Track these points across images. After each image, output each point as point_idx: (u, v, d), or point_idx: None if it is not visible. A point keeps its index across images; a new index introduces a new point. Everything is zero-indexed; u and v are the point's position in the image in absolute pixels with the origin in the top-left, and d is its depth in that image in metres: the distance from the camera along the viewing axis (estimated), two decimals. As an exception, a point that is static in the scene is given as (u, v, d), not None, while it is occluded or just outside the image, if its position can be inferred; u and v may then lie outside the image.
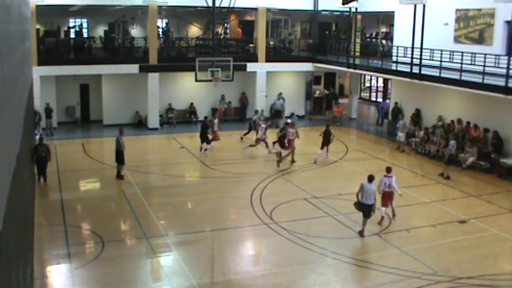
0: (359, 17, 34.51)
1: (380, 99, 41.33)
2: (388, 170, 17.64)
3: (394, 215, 17.54)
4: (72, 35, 37.02)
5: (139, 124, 32.31)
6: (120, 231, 17.27)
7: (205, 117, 27.60)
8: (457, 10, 27.35)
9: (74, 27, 39.42)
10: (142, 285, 13.25)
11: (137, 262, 14.86)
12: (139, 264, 14.86)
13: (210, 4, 29.64)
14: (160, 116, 32.54)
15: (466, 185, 21.95)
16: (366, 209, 16.34)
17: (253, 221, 17.64)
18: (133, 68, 30.95)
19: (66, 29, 37.97)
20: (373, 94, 44.60)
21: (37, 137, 27.50)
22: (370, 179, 16.53)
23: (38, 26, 30.79)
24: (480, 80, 22.57)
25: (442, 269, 14.23)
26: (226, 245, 15.91)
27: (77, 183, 22.02)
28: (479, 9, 26.08)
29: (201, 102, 33.66)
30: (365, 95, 44.77)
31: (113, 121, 31.98)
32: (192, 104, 33.57)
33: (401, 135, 27.50)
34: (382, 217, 17.30)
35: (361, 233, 16.34)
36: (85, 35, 38.42)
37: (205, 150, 26.14)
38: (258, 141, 26.16)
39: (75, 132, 30.97)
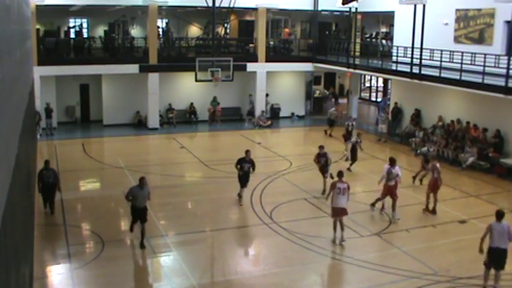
0: (359, 17, 34.55)
1: (379, 99, 41.32)
2: (392, 161, 17.85)
3: (393, 210, 17.70)
4: (72, 35, 37.02)
5: (139, 124, 32.31)
6: (120, 232, 17.23)
7: None
8: (457, 10, 27.35)
9: (74, 27, 39.44)
10: (142, 285, 13.25)
11: (137, 262, 14.87)
12: (139, 264, 14.87)
13: (210, 4, 29.67)
14: (160, 116, 32.54)
15: (466, 185, 21.94)
16: (500, 257, 12.88)
17: (253, 221, 17.65)
18: (134, 68, 30.95)
19: (66, 29, 37.99)
20: (373, 94, 44.59)
21: (38, 136, 27.64)
22: (499, 216, 12.85)
23: (38, 26, 30.79)
24: (480, 80, 22.56)
25: (442, 269, 14.22)
26: (226, 245, 15.91)
27: (77, 183, 22.01)
28: (479, 9, 26.07)
29: (201, 102, 33.67)
30: (365, 95, 44.77)
31: (113, 121, 32.05)
32: (192, 104, 33.56)
33: (382, 127, 29.54)
34: (383, 205, 18.18)
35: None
36: (85, 35, 38.40)
37: None
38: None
39: (75, 132, 30.97)
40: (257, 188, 20.89)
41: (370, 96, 44.70)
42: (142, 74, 31.27)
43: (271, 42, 36.51)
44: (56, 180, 17.77)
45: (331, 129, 30.98)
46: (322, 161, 20.31)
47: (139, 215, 15.38)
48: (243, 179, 18.90)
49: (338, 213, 15.58)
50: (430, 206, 18.26)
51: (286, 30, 39.22)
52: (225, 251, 15.56)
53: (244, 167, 18.67)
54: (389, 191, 17.69)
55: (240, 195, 19.04)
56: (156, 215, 18.08)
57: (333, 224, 15.79)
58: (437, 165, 18.33)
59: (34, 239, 15.33)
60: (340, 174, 15.81)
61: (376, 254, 15.40)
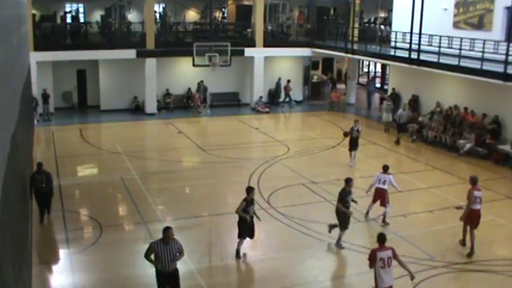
0: (357, 1, 34.40)
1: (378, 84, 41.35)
2: (385, 168, 16.38)
3: (384, 220, 16.17)
4: (69, 20, 36.78)
5: (137, 109, 32.23)
6: (118, 217, 17.29)
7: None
8: (456, -5, 27.24)
9: (70, 12, 39.17)
10: (140, 270, 13.27)
11: (135, 247, 14.86)
12: (138, 249, 14.83)
13: (208, -12, 29.52)
14: (157, 101, 32.45)
15: (463, 171, 21.93)
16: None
17: (251, 206, 17.65)
18: (131, 53, 30.80)
19: (62, 14, 37.71)
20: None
21: (36, 122, 27.56)
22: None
23: (34, 11, 30.60)
24: (479, 66, 22.49)
25: (439, 254, 14.29)
26: (223, 230, 15.93)
27: (75, 169, 21.99)
28: (479, -5, 25.97)
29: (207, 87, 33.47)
30: (363, 80, 44.70)
31: (110, 106, 31.97)
32: (189, 89, 33.47)
33: (386, 116, 28.62)
34: (368, 212, 16.48)
35: None
36: (81, 20, 38.17)
37: None
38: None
39: (73, 118, 30.88)
40: (255, 173, 20.90)
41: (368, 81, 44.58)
42: (140, 59, 31.13)
43: (269, 27, 36.35)
44: (50, 185, 16.00)
45: (401, 135, 26.38)
46: (353, 133, 21.49)
47: (167, 282, 11.21)
48: (249, 227, 13.98)
49: None
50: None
51: (297, 13, 39.12)
52: (222, 235, 15.59)
53: (250, 210, 13.83)
54: (380, 194, 16.12)
55: (238, 252, 14.10)
56: (154, 200, 18.15)
57: None
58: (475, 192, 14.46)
59: (32, 224, 15.36)
60: (381, 237, 11.07)
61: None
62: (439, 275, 13.34)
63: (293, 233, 15.61)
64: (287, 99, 35.38)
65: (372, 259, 10.85)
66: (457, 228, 15.51)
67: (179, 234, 15.49)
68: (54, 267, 13.86)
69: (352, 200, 14.79)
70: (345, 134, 22.66)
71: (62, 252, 14.51)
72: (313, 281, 13.20)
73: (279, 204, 17.61)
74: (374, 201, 16.29)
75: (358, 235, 15.58)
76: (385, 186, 16.03)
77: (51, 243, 15.24)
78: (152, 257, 11.06)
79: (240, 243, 13.92)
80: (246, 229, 13.80)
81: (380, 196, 16.14)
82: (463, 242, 14.79)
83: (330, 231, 15.02)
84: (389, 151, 24.98)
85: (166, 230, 10.97)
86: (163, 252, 10.84)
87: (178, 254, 11.01)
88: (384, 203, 16.09)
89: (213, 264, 14.04)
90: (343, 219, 14.53)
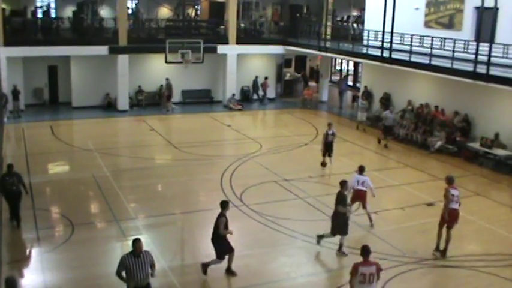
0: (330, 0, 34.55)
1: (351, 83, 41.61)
2: (361, 169, 16.11)
3: (371, 221, 16.01)
4: (40, 15, 36.32)
5: (109, 106, 31.97)
6: (90, 215, 17.15)
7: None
8: (427, -5, 27.54)
9: (41, 7, 38.66)
10: (112, 268, 13.09)
11: (107, 245, 14.81)
12: (110, 247, 14.81)
13: (181, -15, 29.39)
14: (130, 98, 32.23)
15: (434, 168, 22.26)
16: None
17: (224, 203, 17.66)
18: (103, 50, 30.51)
19: (33, 8, 37.22)
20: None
21: (5, 119, 27.16)
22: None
23: (3, 6, 30.12)
24: (449, 65, 22.83)
25: (410, 250, 14.46)
26: (196, 228, 15.90)
27: (46, 167, 21.73)
28: (449, -6, 26.29)
29: (171, 84, 33.35)
30: (335, 78, 44.93)
31: (82, 103, 31.68)
32: (162, 86, 33.28)
33: (360, 115, 28.95)
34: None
35: None
36: (53, 15, 37.70)
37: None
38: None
39: (44, 115, 30.46)
40: (227, 170, 20.92)
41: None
42: (112, 56, 30.87)
43: (242, 25, 36.33)
44: (21, 186, 15.47)
45: (387, 140, 25.67)
46: (329, 137, 21.10)
47: None
48: (228, 242, 12.99)
49: None
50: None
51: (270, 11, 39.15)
52: (195, 233, 15.56)
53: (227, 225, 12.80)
54: (359, 196, 15.83)
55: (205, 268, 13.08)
56: (126, 197, 18.04)
57: None
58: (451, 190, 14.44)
59: (1, 222, 15.15)
60: (364, 250, 10.33)
61: (347, 235, 15.52)
62: (411, 271, 13.52)
63: (265, 230, 15.66)
64: (262, 96, 35.54)
65: (354, 274, 10.04)
66: (427, 225, 15.75)
67: (152, 232, 15.52)
68: (25, 266, 13.68)
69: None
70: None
71: (33, 251, 14.35)
72: (285, 278, 13.26)
73: (251, 202, 17.64)
74: (352, 202, 15.63)
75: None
76: (364, 188, 15.72)
77: (22, 241, 15.05)
78: (123, 274, 10.40)
79: (216, 263, 12.92)
80: (228, 246, 12.87)
81: (359, 198, 15.79)
82: (437, 248, 14.33)
83: (318, 242, 14.50)
84: (362, 149, 25.21)
85: (136, 242, 10.34)
86: (135, 266, 10.24)
87: (151, 267, 10.48)
88: (365, 205, 15.88)
89: (185, 262, 14.03)
90: (343, 224, 13.96)
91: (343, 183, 14.12)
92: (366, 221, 16.09)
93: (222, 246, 12.71)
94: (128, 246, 14.62)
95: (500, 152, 22.18)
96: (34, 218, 16.03)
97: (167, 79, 32.30)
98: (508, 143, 22.36)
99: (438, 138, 24.19)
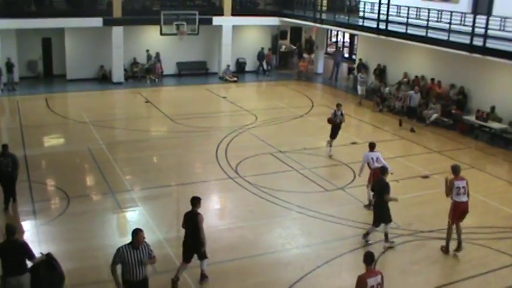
0: (326, -29, 34.21)
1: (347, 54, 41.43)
2: (372, 146, 15.51)
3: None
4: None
5: (104, 78, 31.79)
6: (86, 187, 17.17)
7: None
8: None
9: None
10: (108, 240, 13.26)
11: (103, 217, 14.86)
12: (105, 219, 14.86)
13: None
14: (124, 70, 32.05)
15: (430, 141, 22.30)
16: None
17: (219, 175, 17.72)
18: (97, 22, 30.19)
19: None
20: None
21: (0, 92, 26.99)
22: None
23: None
24: (446, 38, 22.71)
25: (405, 222, 14.54)
26: (192, 200, 15.94)
27: (41, 139, 21.68)
28: (446, -35, 26.04)
29: (167, 56, 33.13)
30: (331, 50, 44.68)
31: (76, 76, 31.48)
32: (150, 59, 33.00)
33: (360, 89, 28.24)
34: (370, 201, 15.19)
35: None
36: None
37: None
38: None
39: (38, 88, 30.27)
40: (222, 142, 20.93)
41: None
42: (106, 28, 30.59)
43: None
44: (16, 169, 14.72)
45: (383, 105, 26.48)
46: (337, 118, 19.52)
47: None
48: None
49: None
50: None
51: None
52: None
53: None
54: (375, 173, 14.72)
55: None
56: (121, 170, 18.06)
57: None
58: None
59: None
60: (369, 257, 9.18)
61: (340, 208, 15.62)
62: (406, 243, 13.65)
63: (260, 202, 15.73)
64: (266, 67, 35.71)
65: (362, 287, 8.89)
66: (422, 198, 15.82)
67: (147, 203, 15.57)
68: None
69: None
70: (329, 121, 19.90)
71: (29, 224, 14.38)
72: (280, 249, 13.35)
73: (246, 174, 17.69)
74: (369, 181, 15.24)
75: (325, 204, 15.77)
76: (379, 164, 14.63)
77: (18, 214, 15.05)
78: (118, 267, 9.28)
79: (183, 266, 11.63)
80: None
81: (376, 175, 14.56)
82: (446, 249, 13.26)
83: (367, 242, 13.47)
84: (359, 121, 25.18)
85: (137, 233, 9.19)
86: (132, 258, 9.12)
87: (149, 258, 9.31)
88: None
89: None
90: (387, 212, 13.14)
91: (384, 170, 13.36)
92: (361, 193, 16.15)
93: (203, 246, 11.56)
94: (125, 218, 14.75)
95: (496, 125, 22.22)
96: (30, 191, 16.04)
97: (147, 51, 32.27)
98: (503, 116, 22.38)
99: (434, 110, 24.19)
